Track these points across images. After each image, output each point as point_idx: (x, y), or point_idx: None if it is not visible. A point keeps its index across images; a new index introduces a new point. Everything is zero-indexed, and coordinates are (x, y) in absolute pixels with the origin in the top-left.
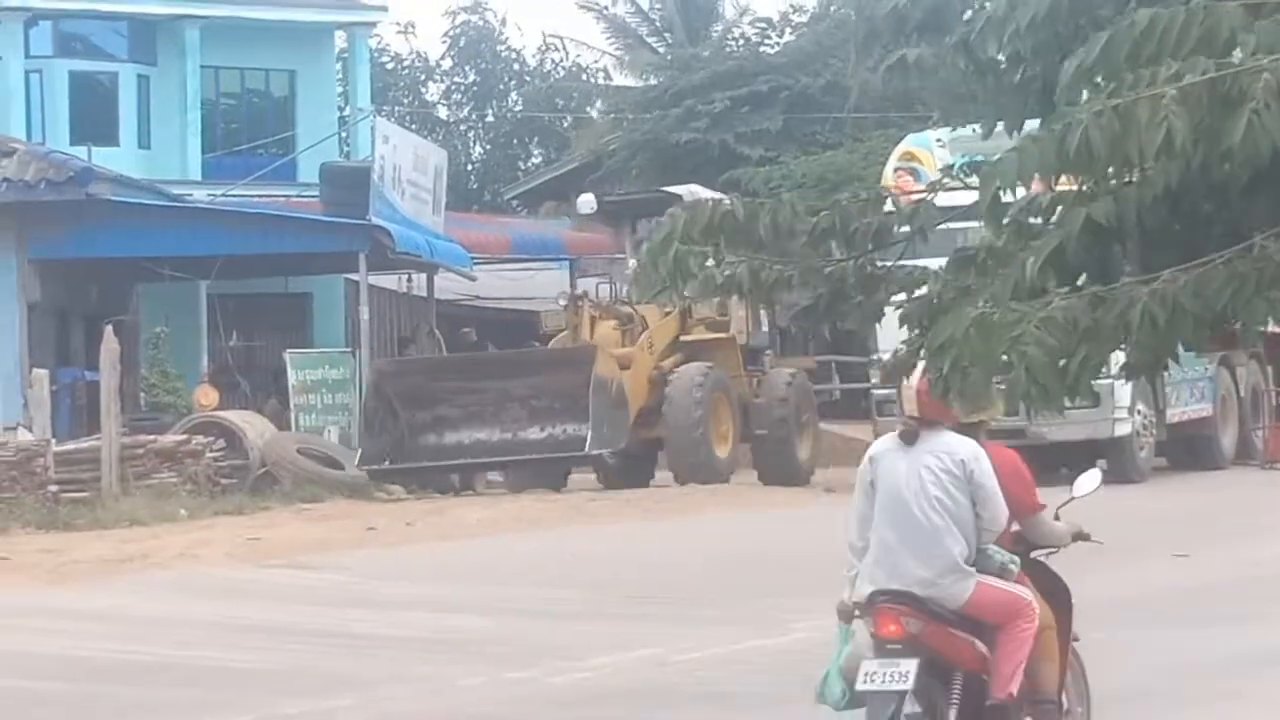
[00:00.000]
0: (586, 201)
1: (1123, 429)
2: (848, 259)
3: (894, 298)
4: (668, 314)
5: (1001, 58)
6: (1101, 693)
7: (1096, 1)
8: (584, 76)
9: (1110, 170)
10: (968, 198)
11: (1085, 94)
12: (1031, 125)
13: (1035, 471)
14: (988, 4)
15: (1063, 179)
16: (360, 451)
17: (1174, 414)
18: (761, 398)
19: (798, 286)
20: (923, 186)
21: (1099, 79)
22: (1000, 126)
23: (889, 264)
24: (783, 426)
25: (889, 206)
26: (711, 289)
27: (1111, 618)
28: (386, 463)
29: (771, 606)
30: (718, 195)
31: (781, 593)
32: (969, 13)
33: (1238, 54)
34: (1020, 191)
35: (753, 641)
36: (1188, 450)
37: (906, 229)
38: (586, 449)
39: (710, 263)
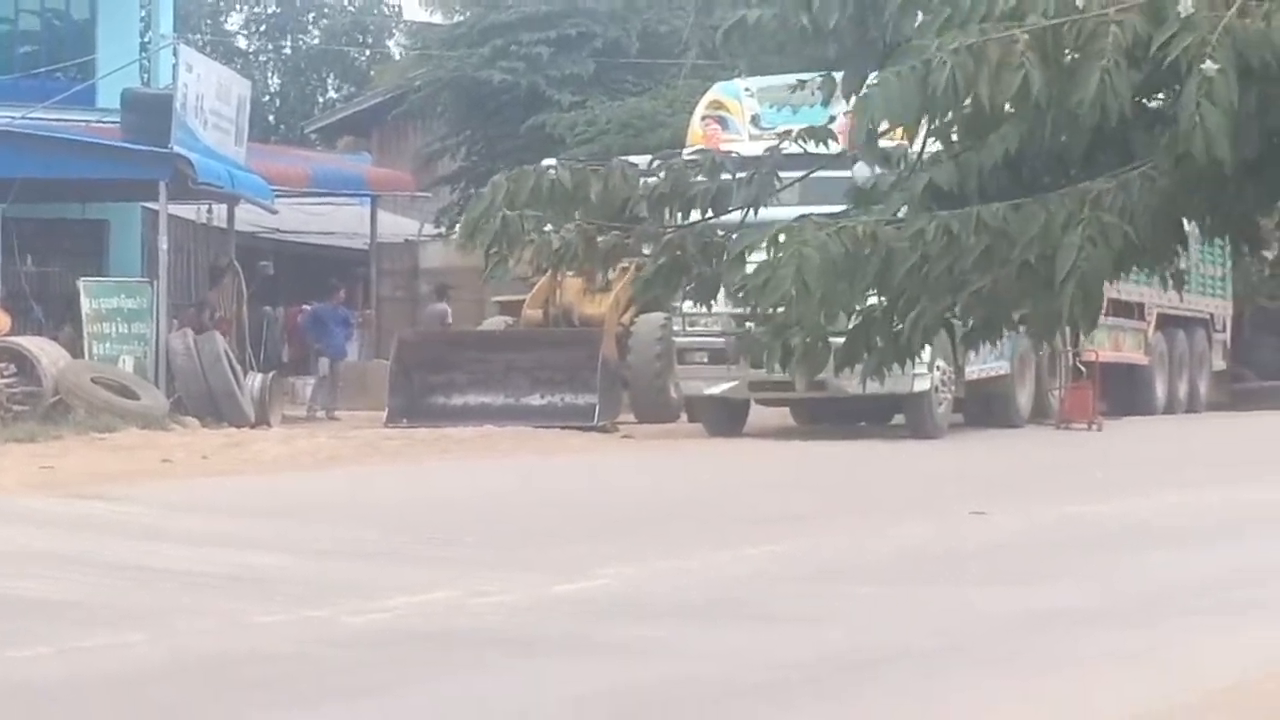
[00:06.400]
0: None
1: (921, 384)
2: (686, 225)
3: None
4: (625, 269)
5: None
6: (882, 649)
7: None
8: (384, 9)
9: (967, 112)
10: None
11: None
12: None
13: (833, 424)
14: None
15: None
16: (386, 410)
17: (972, 371)
18: None
19: (635, 254)
20: (732, 136)
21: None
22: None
23: (730, 231)
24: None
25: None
26: (546, 257)
27: (903, 574)
28: (404, 421)
29: (574, 552)
30: None
31: (584, 538)
32: None
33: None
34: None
35: (555, 587)
36: (984, 408)
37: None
38: (596, 419)
39: (548, 228)
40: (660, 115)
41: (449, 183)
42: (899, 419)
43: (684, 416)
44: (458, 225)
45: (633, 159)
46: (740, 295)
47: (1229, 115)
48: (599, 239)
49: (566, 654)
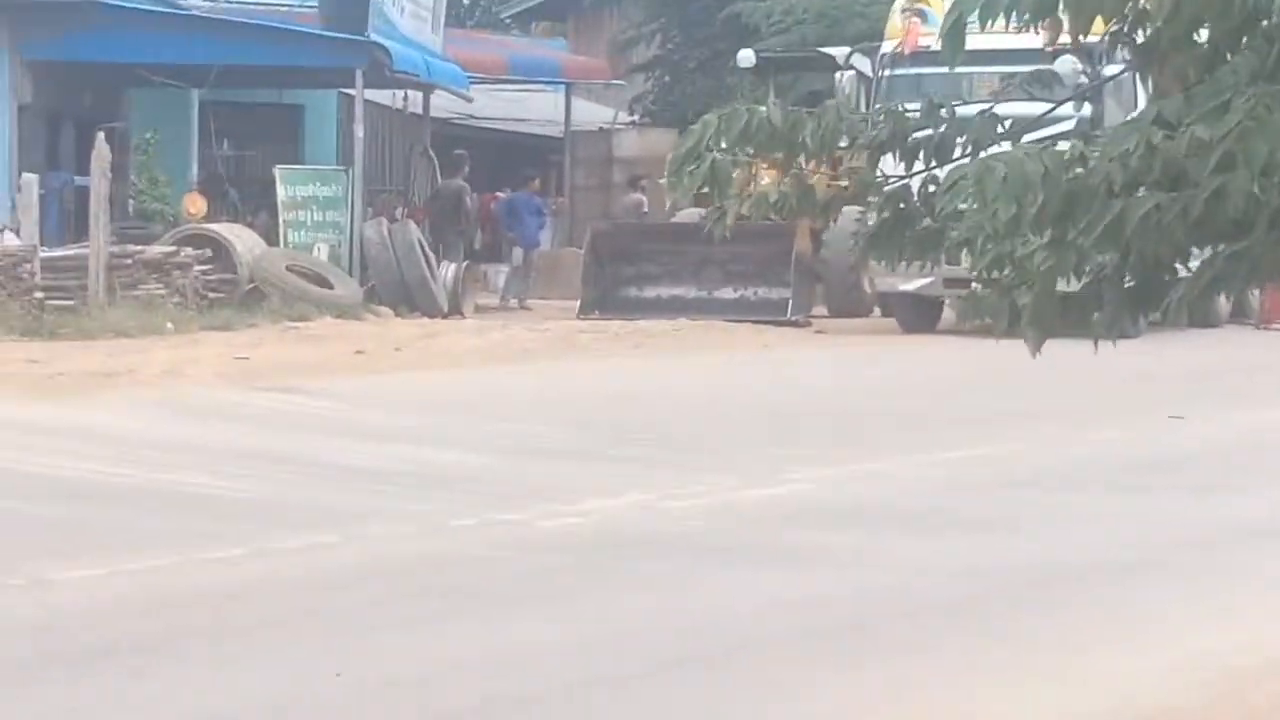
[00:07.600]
0: (745, 57)
1: None
2: (910, 175)
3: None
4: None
5: None
6: (1093, 561)
7: None
8: None
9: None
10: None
11: None
12: None
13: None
14: None
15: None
16: (580, 301)
17: None
18: None
19: (854, 203)
20: (931, 30)
21: None
22: None
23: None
24: None
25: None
26: (764, 208)
27: (1100, 480)
28: (596, 313)
29: (767, 453)
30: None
31: (776, 439)
32: None
33: None
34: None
35: (748, 490)
36: None
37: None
38: (789, 314)
39: (765, 181)
40: (857, 6)
41: (643, 71)
42: (1095, 316)
43: (877, 311)
44: (650, 113)
45: (829, 50)
46: (959, 248)
47: None
48: (818, 191)
49: (759, 561)
